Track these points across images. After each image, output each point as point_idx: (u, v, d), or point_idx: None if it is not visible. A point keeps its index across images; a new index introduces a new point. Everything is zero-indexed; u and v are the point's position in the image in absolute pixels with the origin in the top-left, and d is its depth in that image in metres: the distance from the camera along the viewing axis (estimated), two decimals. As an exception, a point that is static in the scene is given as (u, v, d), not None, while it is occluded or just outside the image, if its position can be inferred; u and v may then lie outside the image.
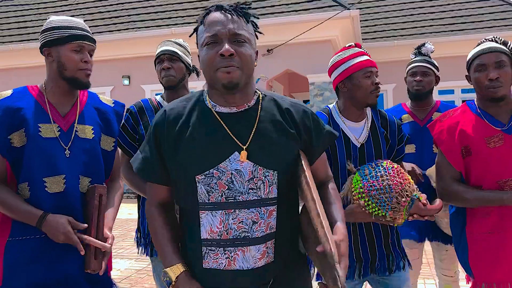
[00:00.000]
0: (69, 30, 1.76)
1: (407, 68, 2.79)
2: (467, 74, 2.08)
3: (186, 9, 11.16)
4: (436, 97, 11.97)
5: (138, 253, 2.44)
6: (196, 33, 1.42)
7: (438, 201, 1.82)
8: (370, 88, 1.95)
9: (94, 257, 1.68)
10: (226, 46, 1.30)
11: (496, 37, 2.05)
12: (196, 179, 1.34)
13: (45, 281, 1.68)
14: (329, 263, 1.18)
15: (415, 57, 2.78)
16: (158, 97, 2.44)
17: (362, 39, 12.02)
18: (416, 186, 1.85)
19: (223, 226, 1.32)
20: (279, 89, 12.66)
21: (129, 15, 11.56)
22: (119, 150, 2.14)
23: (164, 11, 11.32)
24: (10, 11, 12.99)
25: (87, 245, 1.68)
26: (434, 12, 12.72)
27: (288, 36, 9.81)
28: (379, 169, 1.80)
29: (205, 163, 1.33)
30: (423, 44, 2.78)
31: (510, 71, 1.96)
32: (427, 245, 3.00)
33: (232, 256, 1.32)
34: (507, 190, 1.91)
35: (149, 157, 1.41)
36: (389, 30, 12.56)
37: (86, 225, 1.70)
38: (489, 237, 1.93)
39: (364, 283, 2.13)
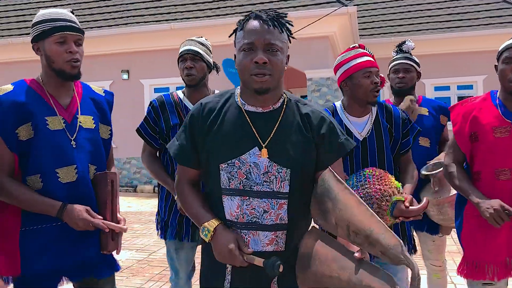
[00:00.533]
0: (51, 23, 1.76)
1: (390, 66, 2.87)
2: (496, 64, 2.13)
3: (185, 4, 11.23)
4: (432, 93, 12.14)
5: (158, 235, 2.59)
6: (235, 35, 1.56)
7: (424, 201, 1.89)
8: (369, 87, 2.07)
9: (111, 238, 1.81)
10: (261, 55, 1.45)
11: None
12: (220, 167, 1.52)
13: (63, 267, 1.78)
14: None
15: (396, 55, 2.86)
16: (179, 92, 2.57)
17: (360, 35, 12.12)
18: (401, 189, 1.94)
19: (239, 210, 1.50)
20: (277, 84, 12.78)
21: (128, 10, 11.62)
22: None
23: (164, 6, 11.39)
24: (9, 5, 13.02)
25: (100, 229, 1.79)
26: (431, 9, 12.83)
27: (286, 32, 9.92)
28: (360, 178, 1.93)
29: (229, 154, 1.51)
30: (404, 42, 2.86)
31: None
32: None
33: (246, 238, 1.51)
34: (502, 178, 2.02)
35: (184, 144, 1.59)
36: (386, 26, 12.66)
37: (100, 216, 1.79)
38: (480, 219, 2.03)
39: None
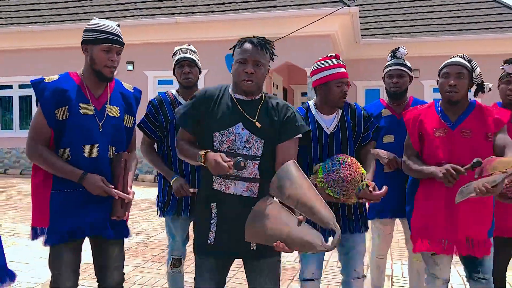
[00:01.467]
0: (103, 34, 2.22)
1: (385, 70, 3.17)
2: (437, 79, 2.60)
3: (191, -1, 11.45)
4: (430, 94, 12.35)
5: (157, 214, 2.98)
6: (233, 50, 2.16)
7: (384, 189, 2.32)
8: (339, 95, 2.51)
9: (120, 206, 2.22)
10: (249, 68, 2.07)
11: (465, 55, 2.55)
12: (214, 135, 2.12)
13: (80, 225, 2.20)
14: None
15: (390, 60, 3.15)
16: (174, 92, 2.98)
17: (361, 35, 12.32)
18: (365, 175, 2.37)
19: None
20: (278, 80, 12.97)
21: (135, 3, 11.83)
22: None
23: (170, 0, 11.60)
24: (18, -7, 13.25)
25: (113, 198, 2.20)
26: (432, 12, 13.02)
27: (289, 29, 10.12)
28: (335, 164, 2.35)
29: (221, 126, 2.11)
30: (398, 49, 3.14)
31: (467, 83, 2.49)
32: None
33: (228, 185, 2.11)
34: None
35: (187, 114, 2.20)
36: (388, 27, 12.86)
37: (113, 186, 2.19)
38: (426, 203, 2.51)
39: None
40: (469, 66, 2.51)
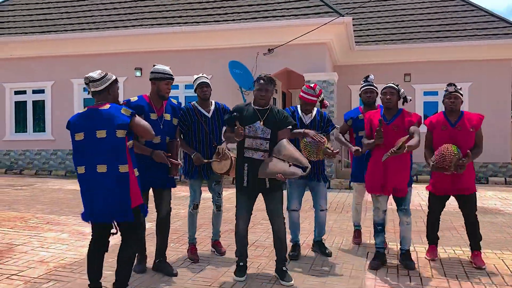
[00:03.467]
0: (165, 74, 3.98)
1: (361, 89, 5.07)
2: (380, 96, 4.46)
3: (195, 9, 12.19)
4: (421, 97, 13.12)
5: (185, 178, 4.72)
6: (255, 81, 4.00)
7: (337, 150, 4.35)
8: (305, 107, 4.64)
9: (175, 169, 3.98)
10: (263, 93, 3.93)
11: (394, 82, 4.39)
12: (246, 128, 3.89)
13: (151, 179, 3.97)
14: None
15: (364, 81, 5.07)
16: (194, 102, 4.68)
17: (355, 42, 13.06)
18: (328, 145, 4.29)
19: (251, 143, 3.91)
20: (278, 85, 13.73)
21: (142, 12, 12.57)
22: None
23: (175, 10, 12.34)
24: (31, 3, 13.98)
25: (169, 164, 3.93)
26: (422, 20, 13.77)
27: (288, 38, 10.87)
28: (314, 139, 4.25)
29: (248, 123, 3.92)
30: (368, 76, 5.07)
31: (396, 97, 4.33)
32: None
33: (252, 153, 3.91)
34: (381, 149, 4.20)
35: (230, 118, 3.96)
36: (380, 34, 13.60)
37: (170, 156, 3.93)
38: (372, 166, 4.36)
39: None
40: (397, 88, 4.34)
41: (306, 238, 5.24)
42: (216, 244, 4.85)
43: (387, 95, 4.28)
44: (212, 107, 4.65)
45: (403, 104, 4.36)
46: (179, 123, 4.36)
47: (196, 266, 4.30)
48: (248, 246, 4.18)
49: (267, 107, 3.97)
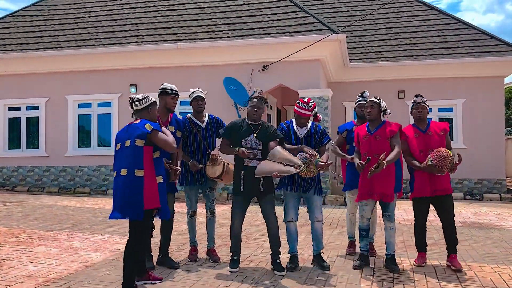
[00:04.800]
0: (170, 90, 4.62)
1: (356, 103, 5.39)
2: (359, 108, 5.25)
3: (191, 26, 12.27)
4: (415, 114, 13.12)
5: (180, 186, 5.12)
6: (249, 100, 4.74)
7: (329, 162, 4.57)
8: (299, 121, 4.78)
9: (174, 174, 4.36)
10: (256, 109, 4.62)
11: (376, 97, 4.75)
12: (242, 140, 4.59)
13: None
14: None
15: (360, 96, 5.38)
16: (190, 115, 5.10)
17: (349, 59, 13.17)
18: (319, 158, 4.51)
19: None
20: (272, 101, 13.75)
21: (138, 29, 12.64)
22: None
23: (171, 27, 12.42)
24: (26, 21, 14.05)
25: (171, 169, 4.34)
26: (416, 37, 13.92)
27: (282, 54, 10.95)
28: (305, 154, 4.51)
29: (243, 136, 4.60)
30: (364, 92, 5.40)
31: (376, 110, 4.66)
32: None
33: (250, 162, 4.55)
34: (366, 156, 4.60)
35: (226, 131, 4.72)
36: (374, 52, 13.72)
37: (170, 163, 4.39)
38: (362, 176, 4.70)
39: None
40: (378, 102, 4.67)
41: (301, 252, 5.17)
42: (211, 251, 5.05)
43: (368, 108, 4.69)
44: (206, 119, 5.10)
45: (383, 116, 4.72)
46: (182, 134, 4.92)
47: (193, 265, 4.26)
48: (242, 260, 4.82)
49: (259, 122, 4.64)
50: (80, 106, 12.74)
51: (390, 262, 4.63)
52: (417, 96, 4.85)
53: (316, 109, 4.79)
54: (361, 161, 4.60)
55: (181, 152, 4.87)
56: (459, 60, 12.72)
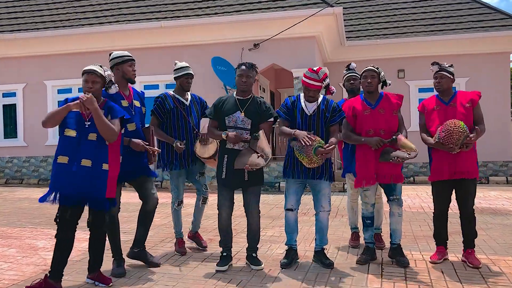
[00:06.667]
0: (125, 57, 3.87)
1: (344, 77, 4.82)
2: (360, 80, 4.27)
3: (176, 3, 11.42)
4: (416, 94, 12.46)
5: (164, 171, 4.54)
6: (236, 68, 3.97)
7: (331, 147, 3.76)
8: (308, 94, 3.99)
9: (152, 156, 3.85)
10: (244, 79, 3.89)
11: (374, 65, 4.12)
12: (225, 118, 3.90)
13: (131, 168, 3.80)
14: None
15: (347, 69, 4.84)
16: (172, 91, 4.56)
17: (346, 37, 12.41)
18: (322, 143, 3.77)
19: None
20: (265, 84, 12.99)
21: (119, 8, 11.79)
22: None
23: (155, 5, 11.57)
24: (1, 2, 13.14)
25: (147, 152, 3.84)
26: (415, 13, 13.18)
27: (275, 31, 10.16)
28: (295, 142, 3.83)
29: (228, 113, 3.89)
30: (350, 64, 4.86)
31: (377, 81, 4.08)
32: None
33: (233, 144, 3.85)
34: (370, 133, 3.97)
35: (212, 112, 4.00)
36: (372, 29, 12.97)
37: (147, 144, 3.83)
38: (364, 159, 4.02)
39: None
40: (377, 71, 4.10)
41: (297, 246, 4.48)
42: (197, 236, 4.69)
43: (368, 78, 4.06)
44: (189, 97, 4.62)
45: (382, 88, 4.16)
46: (156, 110, 4.40)
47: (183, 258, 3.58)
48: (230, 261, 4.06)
49: (249, 96, 3.95)
50: (60, 91, 11.90)
51: (398, 253, 4.05)
52: (433, 64, 4.12)
53: (327, 80, 4.01)
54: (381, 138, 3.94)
55: (158, 133, 4.39)
56: (462, 35, 12.00)
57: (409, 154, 3.78)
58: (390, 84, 4.17)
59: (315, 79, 3.90)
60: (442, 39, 12.13)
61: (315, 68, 3.93)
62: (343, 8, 12.43)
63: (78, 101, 3.24)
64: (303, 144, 3.69)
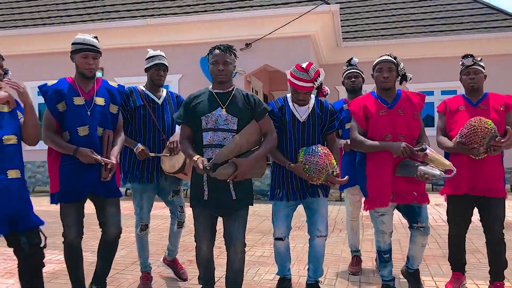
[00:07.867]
0: (80, 45, 2.97)
1: (345, 74, 4.10)
2: (372, 73, 3.33)
3: (162, 1, 10.83)
4: (415, 98, 11.90)
5: (124, 184, 3.58)
6: (208, 54, 2.93)
7: (346, 178, 3.09)
8: (297, 97, 3.20)
9: (104, 170, 2.89)
10: (221, 66, 2.84)
11: (391, 54, 3.29)
12: (202, 118, 2.85)
13: (80, 185, 2.92)
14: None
15: (348, 65, 4.12)
16: (141, 87, 3.66)
17: (343, 38, 11.86)
18: (335, 165, 3.06)
19: (211, 139, 2.82)
20: (258, 86, 12.39)
21: (103, 6, 11.17)
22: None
23: (140, 2, 10.97)
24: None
25: (100, 165, 2.90)
26: (415, 13, 12.66)
27: (268, 30, 9.58)
28: (314, 150, 3.04)
29: (206, 111, 2.85)
30: (351, 58, 4.13)
31: (395, 74, 3.27)
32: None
33: (214, 152, 2.79)
34: (387, 139, 3.18)
35: (182, 114, 2.95)
36: (369, 30, 12.44)
37: (99, 156, 2.89)
38: (377, 172, 3.20)
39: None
40: (396, 61, 3.27)
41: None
42: (175, 264, 3.89)
43: (384, 72, 3.23)
44: (164, 94, 3.70)
45: (400, 83, 3.38)
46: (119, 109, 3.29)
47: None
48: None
49: (231, 88, 2.94)
50: (39, 94, 11.24)
51: (414, 280, 3.40)
52: (465, 57, 3.41)
53: (320, 79, 3.20)
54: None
55: (122, 136, 3.29)
56: (464, 36, 11.46)
57: (442, 172, 2.91)
58: (411, 79, 3.40)
59: (305, 79, 3.08)
60: (443, 40, 11.60)
61: (304, 65, 3.11)
62: (340, 7, 11.90)
63: (8, 94, 2.77)
64: (321, 166, 2.99)
